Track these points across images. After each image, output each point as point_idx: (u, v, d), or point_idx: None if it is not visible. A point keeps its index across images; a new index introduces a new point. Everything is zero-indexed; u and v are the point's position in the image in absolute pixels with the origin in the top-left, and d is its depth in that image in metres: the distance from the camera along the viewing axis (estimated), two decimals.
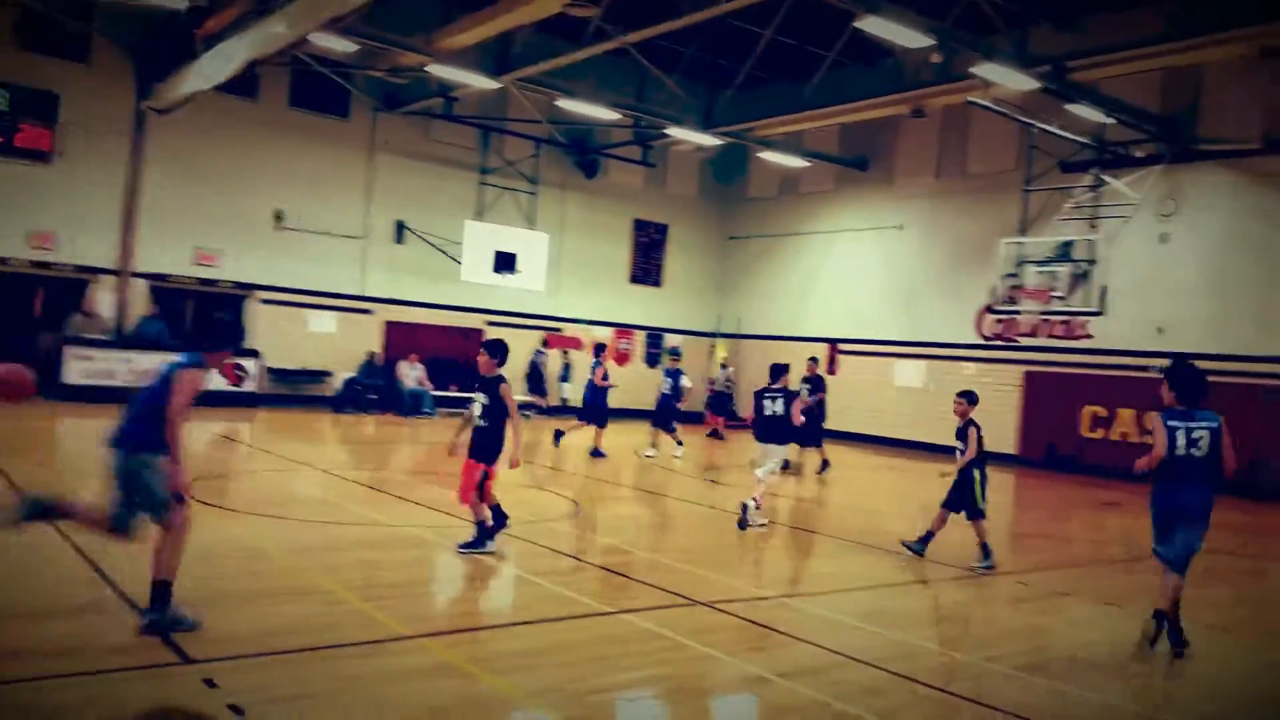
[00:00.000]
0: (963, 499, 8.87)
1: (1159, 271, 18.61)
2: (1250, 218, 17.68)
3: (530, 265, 22.49)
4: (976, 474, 8.82)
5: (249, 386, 19.89)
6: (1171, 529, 6.40)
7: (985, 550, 8.73)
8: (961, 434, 8.93)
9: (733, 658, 5.67)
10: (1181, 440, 6.28)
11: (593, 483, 13.71)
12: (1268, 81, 17.09)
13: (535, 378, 23.77)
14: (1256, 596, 9.36)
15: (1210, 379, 6.60)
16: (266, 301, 21.22)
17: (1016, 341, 20.72)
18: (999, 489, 12.29)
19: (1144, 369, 18.19)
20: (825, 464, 15.92)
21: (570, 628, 6.08)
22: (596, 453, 15.74)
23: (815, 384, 16.16)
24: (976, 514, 8.81)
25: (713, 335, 27.33)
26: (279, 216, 21.28)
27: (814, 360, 16.86)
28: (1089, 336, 19.55)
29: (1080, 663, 6.19)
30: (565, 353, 25.06)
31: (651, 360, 26.90)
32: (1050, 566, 9.47)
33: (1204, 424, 6.32)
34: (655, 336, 27.10)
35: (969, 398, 9.07)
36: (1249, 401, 16.60)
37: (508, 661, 5.38)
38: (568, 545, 8.72)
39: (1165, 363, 7.17)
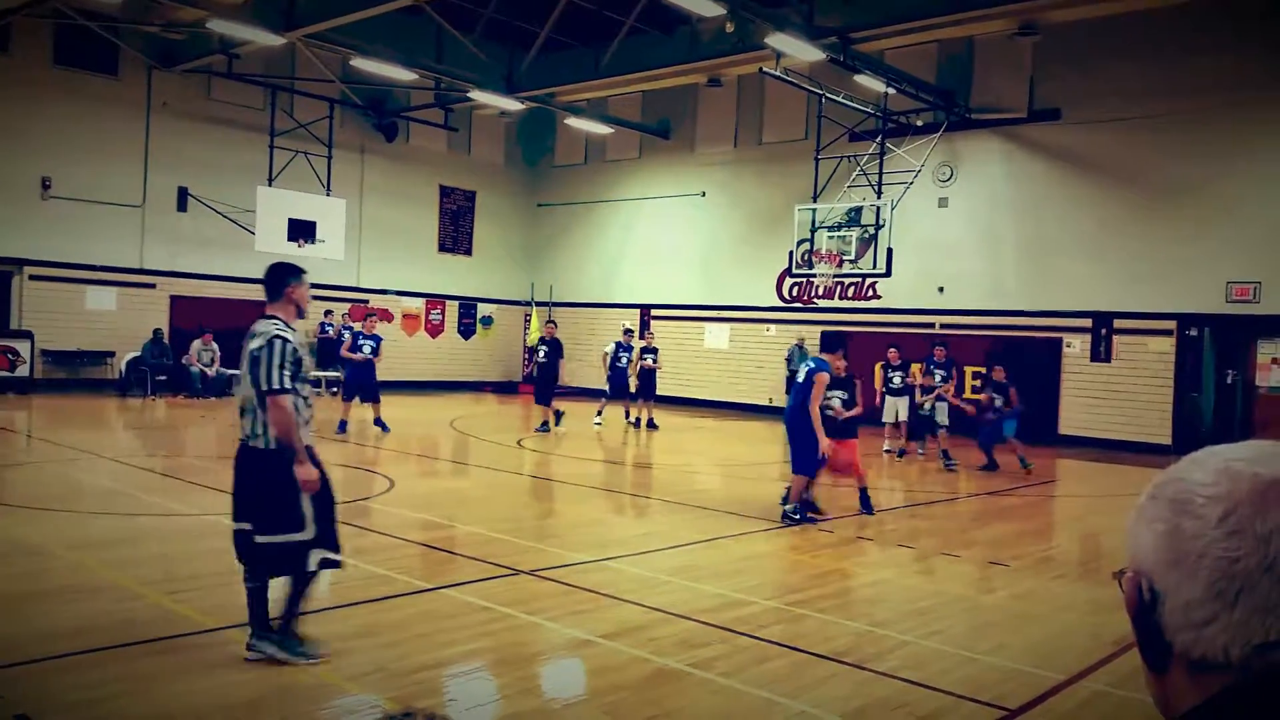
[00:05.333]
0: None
1: (938, 234, 19.96)
2: (1016, 182, 19.23)
3: (330, 233, 21.30)
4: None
5: (22, 371, 18.26)
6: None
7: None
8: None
9: (556, 624, 5.74)
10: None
11: (406, 457, 13.44)
12: (1029, 55, 18.57)
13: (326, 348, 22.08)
14: (1034, 530, 10.29)
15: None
16: (36, 278, 19.46)
17: (814, 303, 21.82)
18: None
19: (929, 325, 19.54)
20: (650, 423, 18.06)
21: (389, 607, 5.97)
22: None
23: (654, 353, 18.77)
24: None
25: (527, 304, 27.17)
26: (46, 184, 19.49)
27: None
28: (878, 297, 20.82)
29: (877, 601, 6.65)
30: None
31: (465, 332, 26.49)
32: (851, 513, 10.07)
33: None
34: (469, 306, 26.68)
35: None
36: (1020, 352, 18.13)
37: (325, 646, 5.22)
38: (382, 523, 8.53)
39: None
